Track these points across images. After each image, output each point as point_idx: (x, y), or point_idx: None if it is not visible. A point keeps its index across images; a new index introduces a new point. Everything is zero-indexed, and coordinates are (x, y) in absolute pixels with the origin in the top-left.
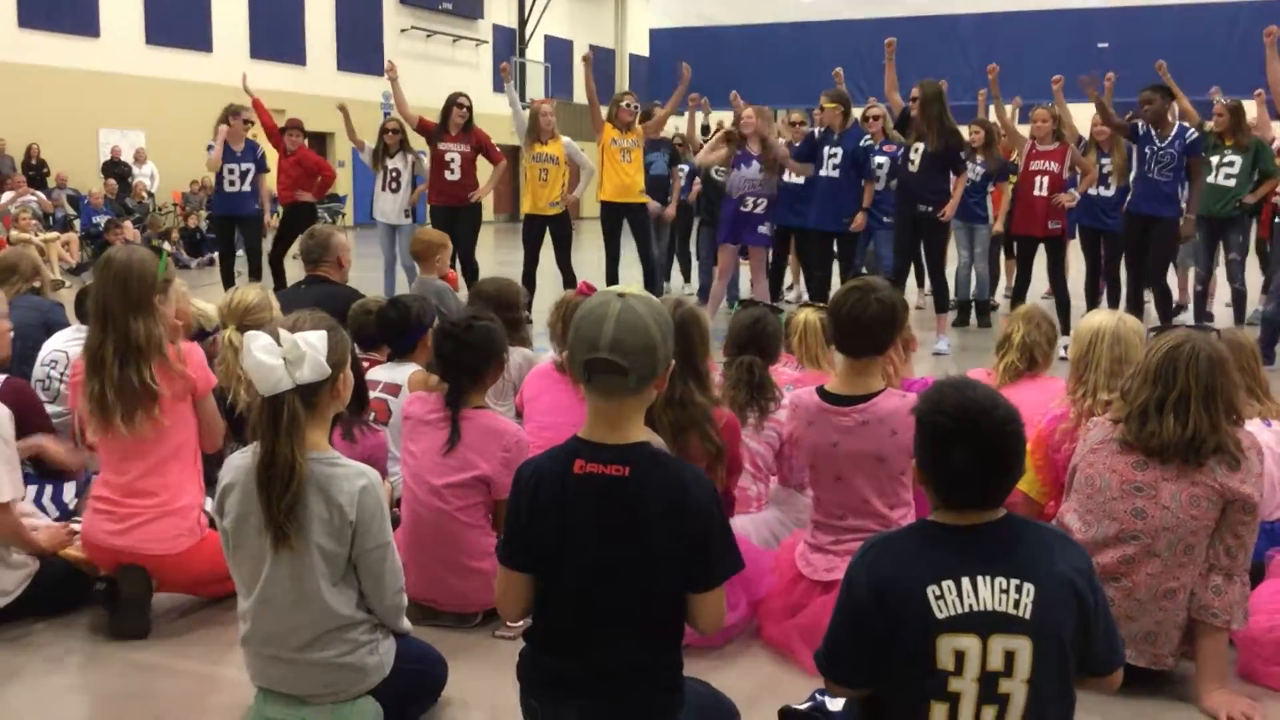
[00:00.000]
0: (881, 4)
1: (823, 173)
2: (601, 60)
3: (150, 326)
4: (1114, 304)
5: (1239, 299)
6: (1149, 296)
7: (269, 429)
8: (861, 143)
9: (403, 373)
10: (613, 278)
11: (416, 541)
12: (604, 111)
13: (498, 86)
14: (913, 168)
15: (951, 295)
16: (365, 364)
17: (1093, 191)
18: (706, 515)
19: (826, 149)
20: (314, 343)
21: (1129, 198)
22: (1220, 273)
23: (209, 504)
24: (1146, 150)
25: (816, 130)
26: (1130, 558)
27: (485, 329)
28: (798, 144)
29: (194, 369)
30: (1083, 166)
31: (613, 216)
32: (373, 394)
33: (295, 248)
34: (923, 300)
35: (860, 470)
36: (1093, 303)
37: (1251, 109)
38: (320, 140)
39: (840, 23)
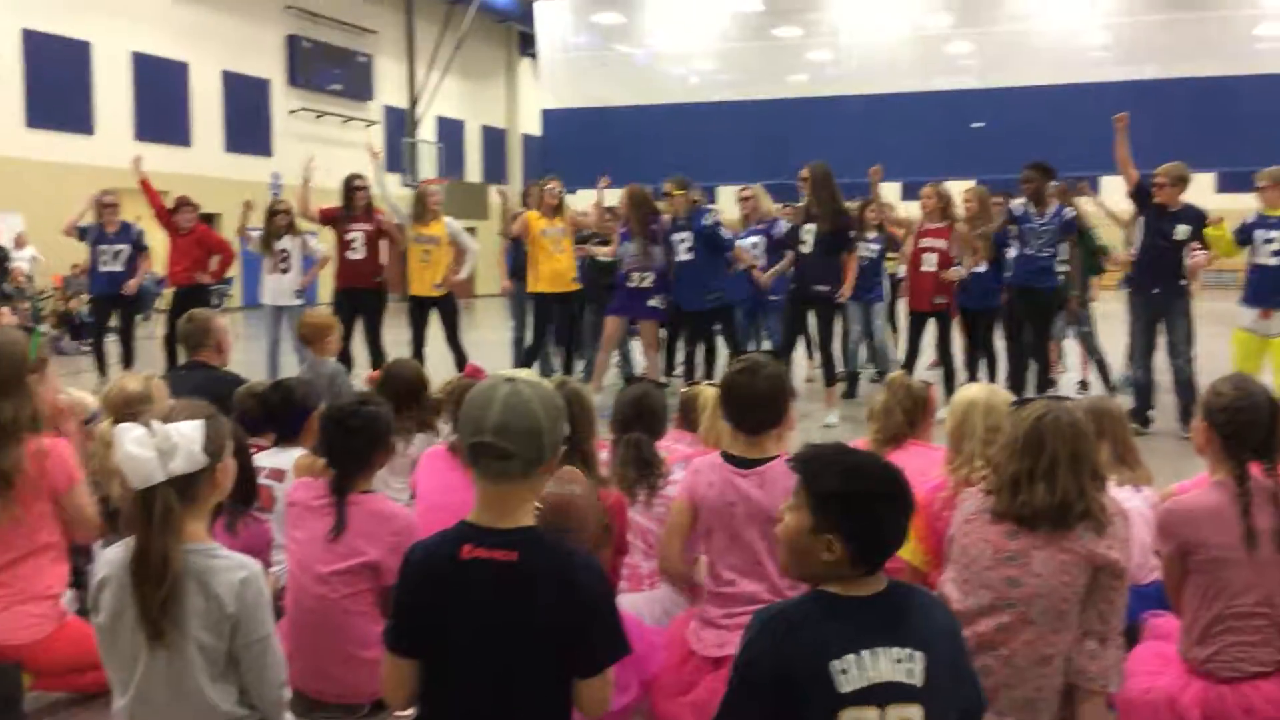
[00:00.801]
0: (769, 86)
1: (680, 257)
2: (495, 140)
3: (19, 408)
4: (992, 376)
5: (1102, 367)
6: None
7: (142, 523)
8: (704, 220)
9: (288, 457)
10: (528, 363)
11: (302, 632)
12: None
13: (390, 166)
14: (805, 249)
15: (840, 368)
16: (253, 449)
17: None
18: (594, 601)
19: (675, 235)
20: (188, 433)
21: (1009, 274)
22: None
23: (69, 596)
24: (1025, 228)
25: (667, 218)
26: (1007, 626)
27: (371, 414)
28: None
29: (55, 465)
30: (970, 245)
31: (546, 305)
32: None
33: None
34: (813, 372)
35: (756, 529)
36: (972, 375)
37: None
38: (208, 221)
39: (728, 104)
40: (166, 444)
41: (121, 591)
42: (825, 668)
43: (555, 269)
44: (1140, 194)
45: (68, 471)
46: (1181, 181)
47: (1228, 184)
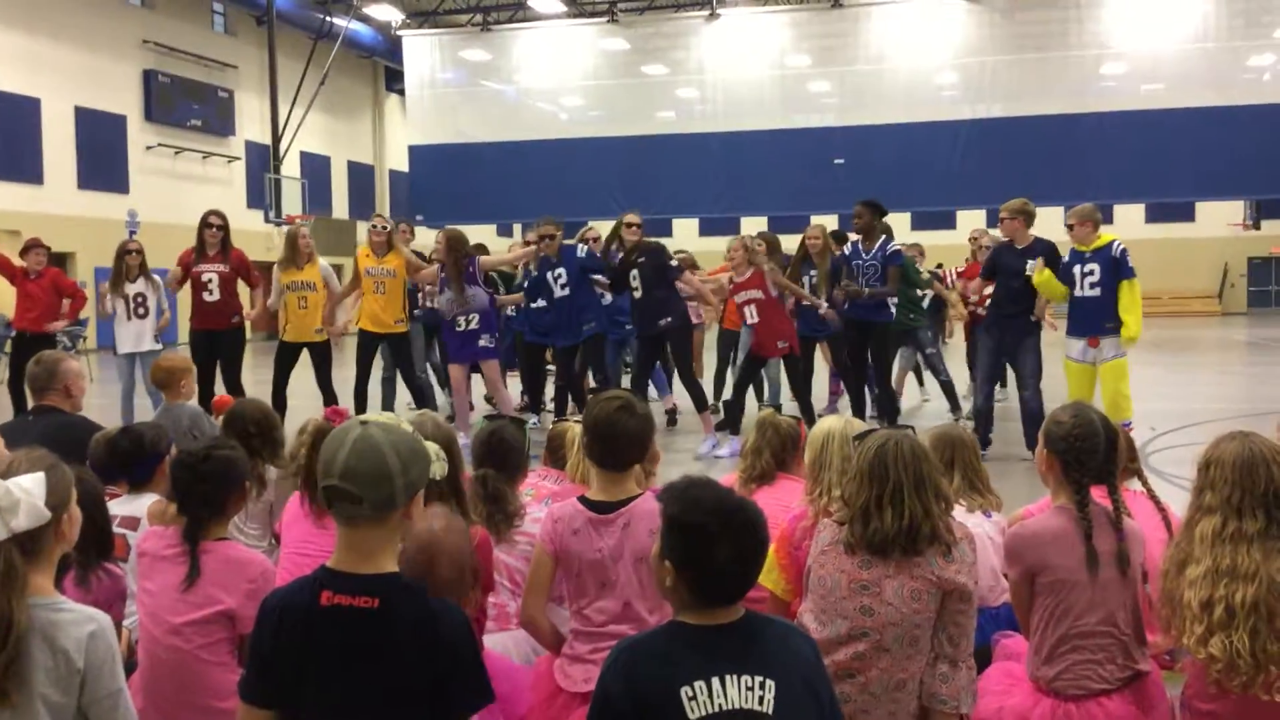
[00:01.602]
0: (635, 123)
1: (556, 294)
2: (361, 175)
3: None
4: (853, 393)
5: (948, 388)
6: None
7: None
8: (579, 253)
9: (140, 505)
10: (361, 401)
11: (155, 684)
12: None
13: (252, 202)
14: (638, 294)
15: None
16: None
17: (806, 302)
18: (455, 650)
19: (550, 274)
20: (29, 487)
21: (846, 308)
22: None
23: None
24: (855, 264)
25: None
26: (862, 654)
27: (224, 458)
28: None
29: None
30: (783, 285)
31: (368, 344)
32: None
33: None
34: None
35: (624, 573)
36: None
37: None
38: (60, 260)
39: (596, 139)
40: (7, 500)
41: None
42: (676, 694)
43: (372, 309)
44: (991, 269)
45: None
46: (1027, 216)
47: None
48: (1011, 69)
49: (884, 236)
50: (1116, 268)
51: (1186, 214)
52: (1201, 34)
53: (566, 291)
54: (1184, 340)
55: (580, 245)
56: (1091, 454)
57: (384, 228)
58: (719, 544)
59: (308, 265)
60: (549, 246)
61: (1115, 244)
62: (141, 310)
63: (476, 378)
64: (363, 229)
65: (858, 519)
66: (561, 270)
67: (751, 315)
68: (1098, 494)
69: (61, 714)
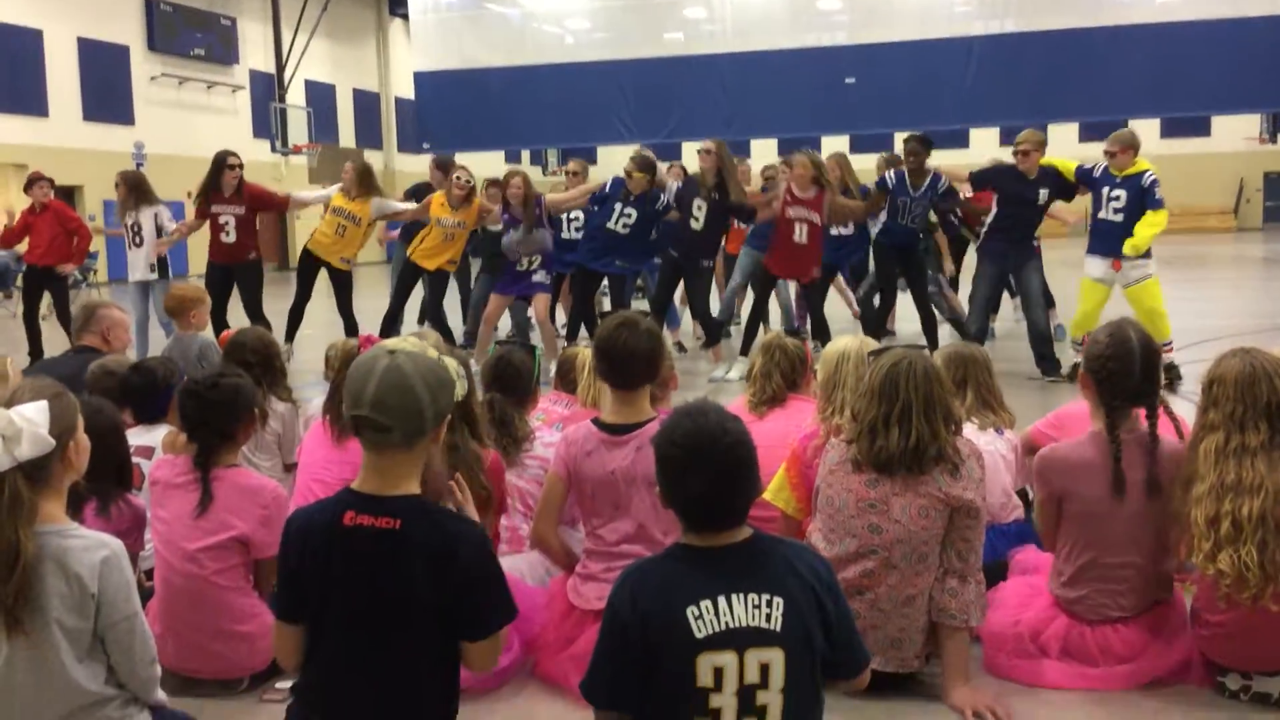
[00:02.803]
0: (643, 46)
1: (615, 229)
2: (367, 103)
3: None
4: (879, 315)
5: (958, 324)
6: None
7: None
8: (659, 204)
9: (155, 435)
10: (390, 330)
11: (172, 610)
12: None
13: (258, 132)
14: (697, 225)
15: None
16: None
17: (834, 231)
18: (478, 567)
19: (621, 207)
20: (31, 416)
21: (878, 235)
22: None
23: None
24: (900, 200)
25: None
26: (871, 571)
27: (232, 385)
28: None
29: None
30: (844, 206)
31: (412, 276)
32: None
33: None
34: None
35: (637, 496)
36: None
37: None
38: (68, 194)
39: (604, 63)
40: (10, 429)
41: None
42: (681, 614)
43: (434, 251)
44: (986, 181)
45: None
46: (1041, 146)
47: (1090, 133)
48: None
49: (932, 173)
50: (1144, 197)
51: (1202, 129)
52: None
53: (626, 231)
54: (1198, 256)
55: (663, 194)
56: (1126, 375)
57: (467, 181)
58: (691, 473)
59: (361, 200)
60: (635, 185)
61: (1147, 174)
62: (138, 240)
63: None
64: (371, 156)
65: (865, 436)
66: (633, 212)
67: (800, 235)
68: (1140, 419)
69: (78, 639)
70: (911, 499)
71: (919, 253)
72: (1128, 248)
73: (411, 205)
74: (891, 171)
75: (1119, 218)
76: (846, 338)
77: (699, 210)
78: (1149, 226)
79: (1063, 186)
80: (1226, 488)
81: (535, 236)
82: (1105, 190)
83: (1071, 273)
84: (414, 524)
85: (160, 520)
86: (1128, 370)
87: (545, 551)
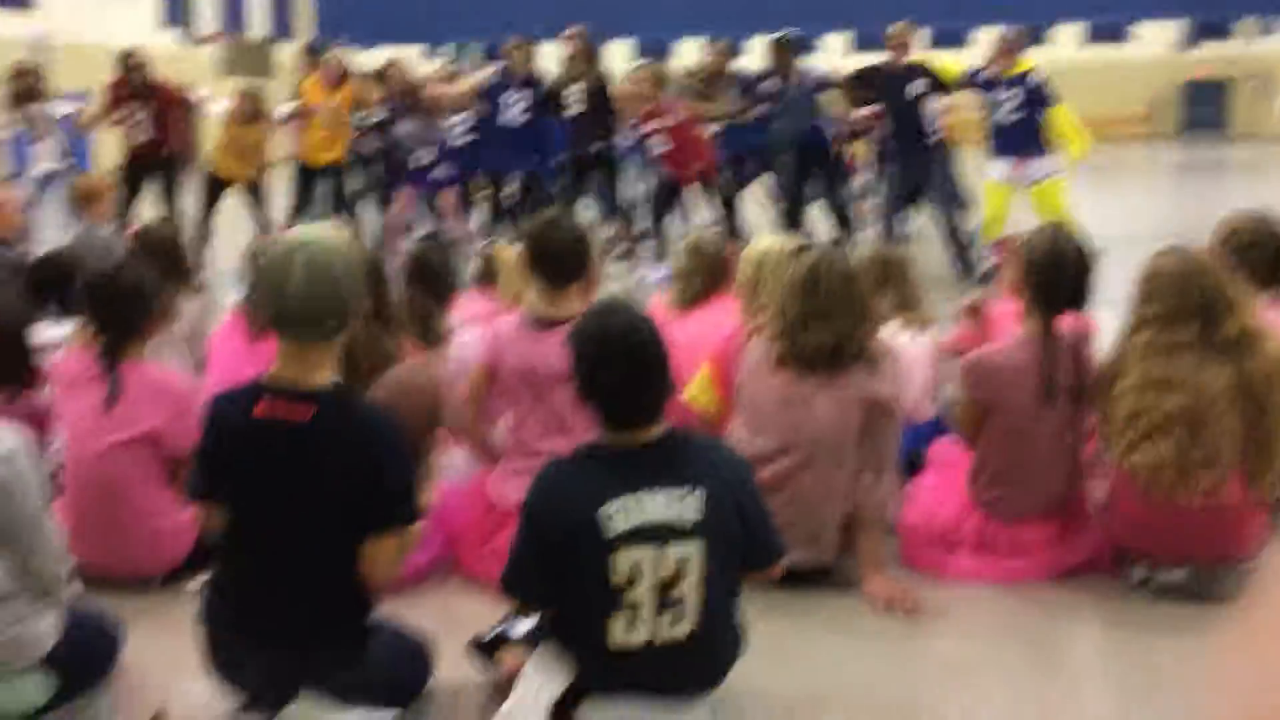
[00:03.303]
0: None
1: (510, 119)
2: None
3: None
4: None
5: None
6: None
7: None
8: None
9: (63, 331)
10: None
11: (83, 507)
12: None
13: (170, 19)
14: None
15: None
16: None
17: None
18: (390, 460)
19: (508, 96)
20: None
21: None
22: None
23: None
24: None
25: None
26: (790, 467)
27: (134, 276)
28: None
29: None
30: (693, 109)
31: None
32: None
33: None
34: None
35: (560, 389)
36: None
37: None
38: None
39: None
40: None
41: None
42: (594, 513)
43: (321, 145)
44: (861, 80)
45: None
46: (904, 44)
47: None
48: None
49: (802, 71)
50: (1038, 93)
51: (1122, 35)
52: None
53: (526, 117)
54: (1115, 162)
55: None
56: (1060, 278)
57: (340, 66)
58: (600, 369)
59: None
60: (516, 62)
61: (1036, 70)
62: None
63: None
64: (284, 49)
65: (786, 333)
66: (525, 94)
67: (660, 145)
68: (1068, 323)
69: None
70: (832, 394)
71: (819, 151)
72: (1070, 158)
73: (292, 105)
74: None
75: (1016, 116)
76: (768, 237)
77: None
78: (1071, 130)
79: (936, 84)
80: (1150, 382)
81: (427, 126)
82: (996, 91)
83: (979, 179)
84: (328, 414)
85: (68, 415)
86: (1062, 273)
87: (466, 442)
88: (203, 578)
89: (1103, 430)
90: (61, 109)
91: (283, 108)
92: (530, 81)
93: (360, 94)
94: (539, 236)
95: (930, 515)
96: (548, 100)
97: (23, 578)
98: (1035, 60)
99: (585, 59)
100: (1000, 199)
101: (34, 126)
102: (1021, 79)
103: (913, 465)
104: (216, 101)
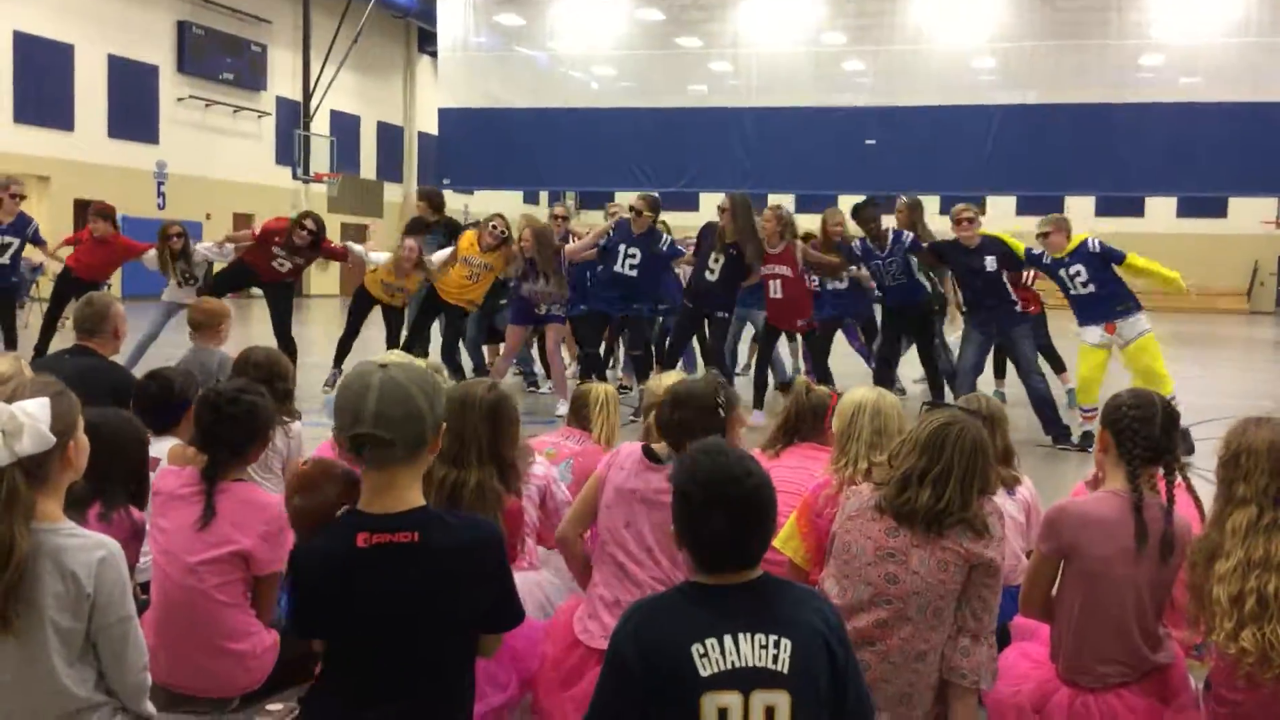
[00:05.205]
0: (666, 95)
1: (622, 271)
2: (391, 136)
3: None
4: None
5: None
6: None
7: None
8: (662, 245)
9: (162, 447)
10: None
11: (168, 623)
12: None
13: (281, 159)
14: (712, 276)
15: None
16: None
17: (830, 285)
18: (496, 570)
19: (624, 248)
20: (33, 412)
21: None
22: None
23: None
24: (873, 265)
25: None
26: (884, 621)
27: (251, 403)
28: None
29: None
30: (817, 261)
31: (433, 309)
32: None
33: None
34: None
35: (650, 519)
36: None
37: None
38: (86, 208)
39: (627, 110)
40: (11, 424)
41: None
42: (686, 652)
43: (457, 283)
44: (931, 252)
45: None
46: (977, 215)
47: (1107, 208)
48: (1049, 56)
49: (891, 231)
50: (1103, 259)
51: (1219, 209)
52: (1242, 28)
53: (634, 273)
54: (1210, 336)
55: (666, 236)
56: (1147, 428)
57: (502, 232)
58: (711, 513)
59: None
60: (639, 224)
61: (1088, 241)
62: (192, 280)
63: None
64: (391, 189)
65: (895, 483)
66: (637, 252)
67: (776, 290)
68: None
69: (70, 640)
70: (932, 551)
71: (920, 309)
72: (1170, 285)
73: (447, 252)
74: (856, 241)
75: (1090, 289)
76: (863, 389)
77: (715, 263)
78: (1150, 269)
79: (1009, 257)
80: (1254, 564)
81: (557, 285)
82: (1063, 273)
83: (1073, 341)
84: (434, 534)
85: (161, 530)
86: (1149, 423)
87: (566, 553)
88: (279, 705)
89: (1201, 615)
90: (203, 250)
91: (437, 256)
92: (645, 239)
93: (510, 258)
94: (688, 393)
95: (1014, 690)
96: (667, 255)
97: (104, 688)
98: (1086, 232)
99: (735, 226)
100: (1094, 360)
101: (188, 278)
102: (1078, 253)
103: (1000, 635)
104: (378, 252)
